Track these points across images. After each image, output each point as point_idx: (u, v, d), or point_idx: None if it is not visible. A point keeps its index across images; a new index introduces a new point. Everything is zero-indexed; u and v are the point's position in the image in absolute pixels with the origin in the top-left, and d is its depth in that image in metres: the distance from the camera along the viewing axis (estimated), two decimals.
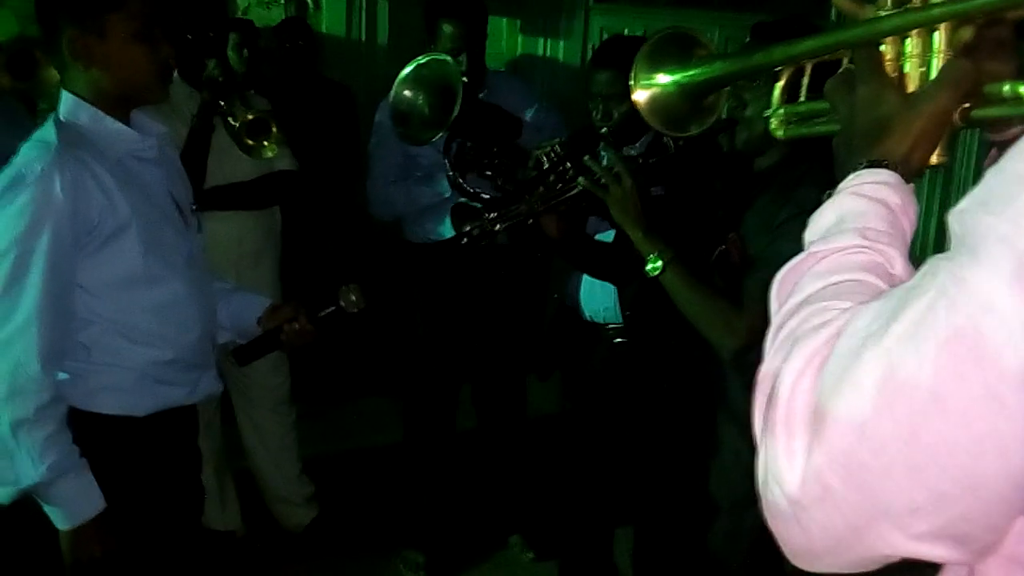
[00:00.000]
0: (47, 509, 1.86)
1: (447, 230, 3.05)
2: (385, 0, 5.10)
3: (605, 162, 2.65)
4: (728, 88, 1.35)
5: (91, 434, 1.91)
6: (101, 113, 1.94)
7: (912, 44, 0.98)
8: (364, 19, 5.06)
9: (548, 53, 5.42)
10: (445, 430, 3.36)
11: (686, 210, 2.28)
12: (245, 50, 3.94)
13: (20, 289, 1.80)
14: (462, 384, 3.37)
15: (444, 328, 3.24)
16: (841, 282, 0.83)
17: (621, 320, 2.78)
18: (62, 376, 1.88)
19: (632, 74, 1.27)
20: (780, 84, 1.18)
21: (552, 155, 2.39)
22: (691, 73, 1.25)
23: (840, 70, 1.06)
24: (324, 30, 4.96)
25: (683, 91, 1.25)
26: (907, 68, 0.99)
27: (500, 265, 3.16)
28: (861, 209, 0.91)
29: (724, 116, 2.01)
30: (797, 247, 2.01)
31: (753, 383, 2.14)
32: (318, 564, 3.37)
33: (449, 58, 2.75)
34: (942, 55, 0.96)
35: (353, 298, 2.18)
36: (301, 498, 3.50)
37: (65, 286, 1.85)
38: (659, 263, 1.99)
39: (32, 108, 3.28)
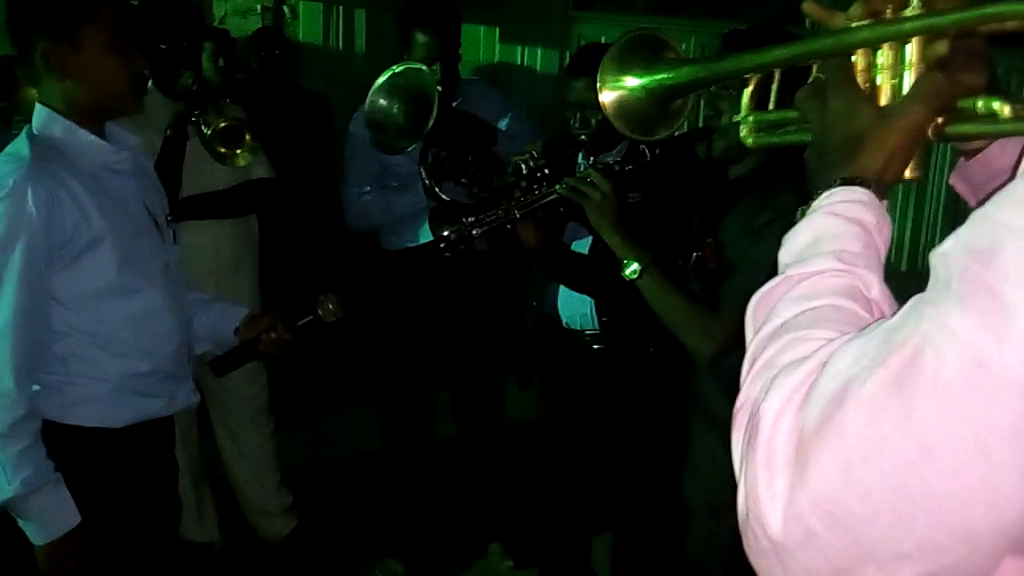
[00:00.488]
0: (22, 524, 1.85)
1: (425, 237, 3.05)
2: (362, 9, 5.11)
3: (583, 168, 2.67)
4: (696, 92, 1.32)
5: (67, 446, 1.90)
6: (75, 126, 1.93)
7: (884, 56, 0.96)
8: (341, 28, 5.07)
9: (527, 61, 5.44)
10: (424, 438, 3.36)
11: (663, 216, 2.29)
12: (221, 59, 3.93)
13: None
14: (441, 392, 3.36)
15: (423, 336, 3.24)
16: (818, 307, 0.82)
17: (597, 326, 2.79)
18: (36, 388, 1.87)
19: (599, 76, 1.24)
20: (748, 90, 1.17)
21: (530, 162, 2.40)
22: (659, 77, 1.22)
23: (810, 79, 1.05)
24: (301, 39, 4.96)
25: (650, 95, 1.23)
26: (879, 80, 0.97)
27: (478, 272, 3.16)
28: (836, 230, 0.89)
29: (701, 124, 2.03)
30: (775, 252, 2.02)
31: (730, 388, 2.14)
32: (297, 575, 3.36)
33: (424, 67, 2.76)
34: (915, 67, 0.94)
35: (331, 307, 2.18)
36: (279, 508, 3.48)
37: (39, 300, 1.85)
38: (636, 268, 2.00)
39: (8, 123, 3.27)
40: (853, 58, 0.98)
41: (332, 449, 4.11)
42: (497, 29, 5.36)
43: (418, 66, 2.75)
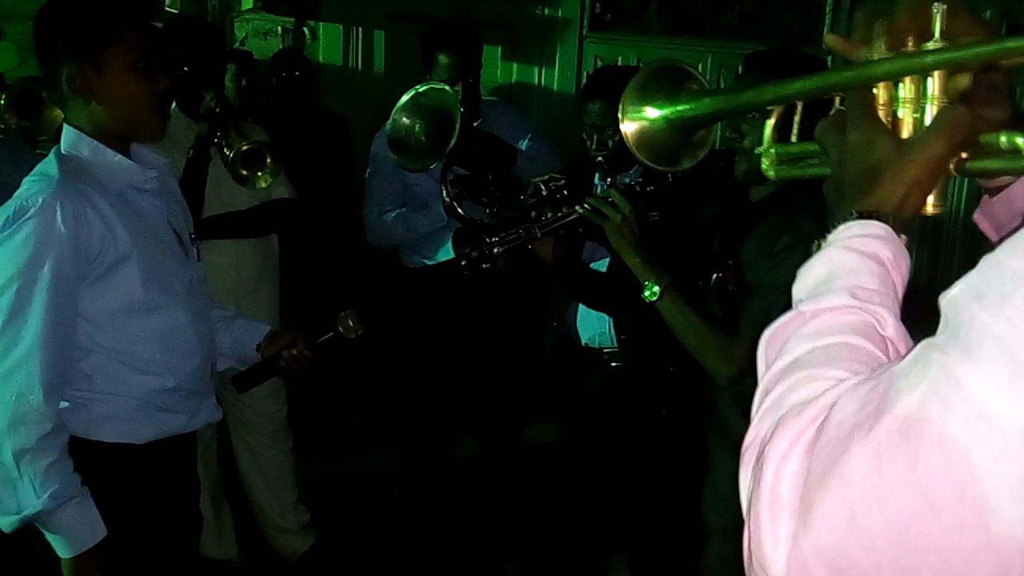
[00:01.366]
0: (49, 537, 1.87)
1: (446, 256, 3.07)
2: (381, 31, 5.15)
3: (601, 190, 2.69)
4: (719, 123, 1.32)
5: (91, 462, 1.92)
6: (102, 146, 1.96)
7: (906, 89, 0.95)
8: (361, 49, 5.11)
9: (542, 82, 5.47)
10: (443, 456, 3.37)
11: (682, 237, 2.30)
12: (243, 80, 3.98)
13: (23, 320, 1.81)
14: (460, 410, 3.38)
15: (442, 354, 3.26)
16: (830, 345, 0.81)
17: (616, 344, 2.81)
18: (63, 404, 1.90)
19: (620, 106, 1.25)
20: (771, 122, 1.15)
21: (551, 183, 2.43)
22: (680, 108, 1.22)
23: (832, 112, 1.03)
24: (321, 60, 5.01)
25: (672, 126, 1.22)
26: (901, 113, 0.96)
27: (498, 291, 3.18)
28: (851, 265, 0.88)
29: (721, 147, 2.04)
30: (794, 276, 2.03)
31: (749, 409, 2.15)
32: None
33: (447, 87, 2.79)
34: (937, 101, 0.93)
35: (351, 323, 2.20)
36: (297, 526, 3.49)
37: (67, 316, 1.87)
38: (656, 289, 2.01)
39: (33, 143, 3.32)
40: (875, 91, 0.97)
41: (350, 467, 4.12)
42: (513, 50, 5.39)
43: (441, 86, 2.78)
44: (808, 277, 0.91)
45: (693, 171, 2.22)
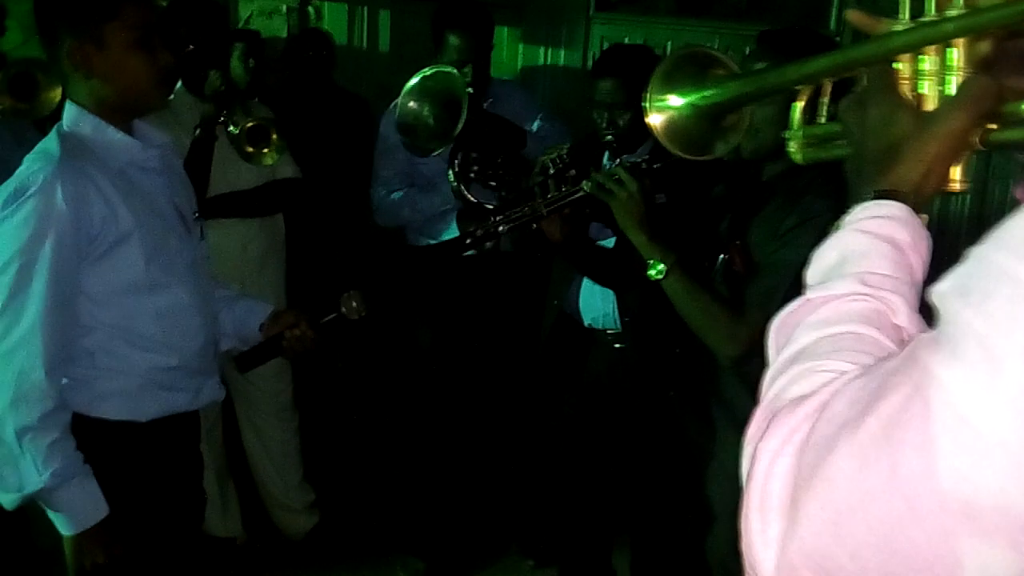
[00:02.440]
0: (51, 515, 1.87)
1: (452, 235, 3.06)
2: (387, 10, 5.13)
3: (609, 167, 2.68)
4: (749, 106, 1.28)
5: (94, 440, 1.92)
6: (103, 123, 1.95)
7: (928, 62, 0.92)
8: (366, 28, 5.08)
9: (549, 62, 5.44)
10: (446, 436, 3.37)
11: (689, 216, 2.29)
12: (251, 60, 3.96)
13: (24, 298, 1.81)
14: (463, 390, 3.37)
15: (445, 333, 3.25)
16: (837, 335, 0.78)
17: (619, 326, 2.80)
18: (65, 382, 1.90)
19: (645, 96, 1.20)
20: (799, 104, 1.12)
21: (558, 162, 2.42)
22: (706, 94, 1.18)
23: (854, 89, 1.00)
24: None
25: (698, 113, 1.19)
26: (923, 88, 0.92)
27: (500, 271, 3.17)
28: (864, 249, 0.84)
29: None
30: (802, 256, 2.01)
31: (755, 389, 2.14)
32: (318, 571, 3.38)
33: (455, 70, 2.77)
34: (960, 72, 0.90)
35: (354, 304, 2.19)
36: (302, 505, 3.50)
37: (68, 295, 1.87)
38: (661, 267, 2.00)
39: (42, 127, 3.30)
40: (898, 66, 0.94)
41: (355, 446, 4.12)
42: (520, 31, 5.36)
43: (448, 69, 2.76)
44: (821, 262, 0.88)
45: None
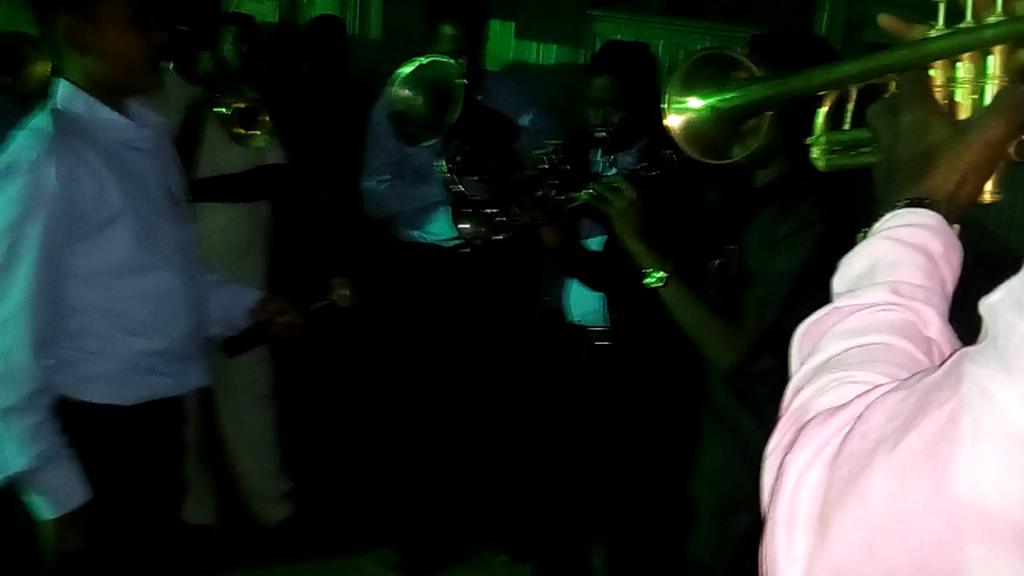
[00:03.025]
0: (32, 498, 1.84)
1: (442, 228, 3.04)
2: None
3: (599, 165, 2.67)
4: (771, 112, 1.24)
5: (77, 423, 1.89)
6: (97, 102, 1.93)
7: (964, 69, 0.89)
8: (358, 14, 5.05)
9: (541, 58, 5.43)
10: (426, 428, 3.35)
11: (684, 222, 2.29)
12: (244, 44, 3.92)
13: (11, 276, 1.78)
14: (446, 383, 3.36)
15: (431, 326, 3.23)
16: (867, 345, 0.75)
17: (605, 323, 2.80)
18: (50, 363, 1.86)
19: (664, 98, 1.18)
20: (823, 110, 1.09)
21: (552, 157, 2.40)
22: (727, 97, 1.16)
23: (885, 95, 0.97)
24: None
25: (718, 116, 1.16)
26: (958, 96, 0.90)
27: (489, 267, 3.16)
28: (895, 258, 0.82)
29: None
30: (797, 264, 1.99)
31: (745, 395, 2.12)
32: (292, 560, 3.35)
33: (451, 61, 2.75)
34: (997, 81, 0.87)
35: (346, 292, 2.18)
36: (277, 494, 3.48)
37: (57, 274, 1.84)
38: (660, 275, 1.99)
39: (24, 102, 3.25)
40: (931, 72, 0.92)
41: (333, 436, 4.09)
42: (513, 25, 5.34)
43: (445, 59, 2.74)
44: (849, 269, 0.85)
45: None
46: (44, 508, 1.84)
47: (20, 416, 1.78)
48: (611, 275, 2.52)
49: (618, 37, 5.34)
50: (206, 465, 3.34)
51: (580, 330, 2.83)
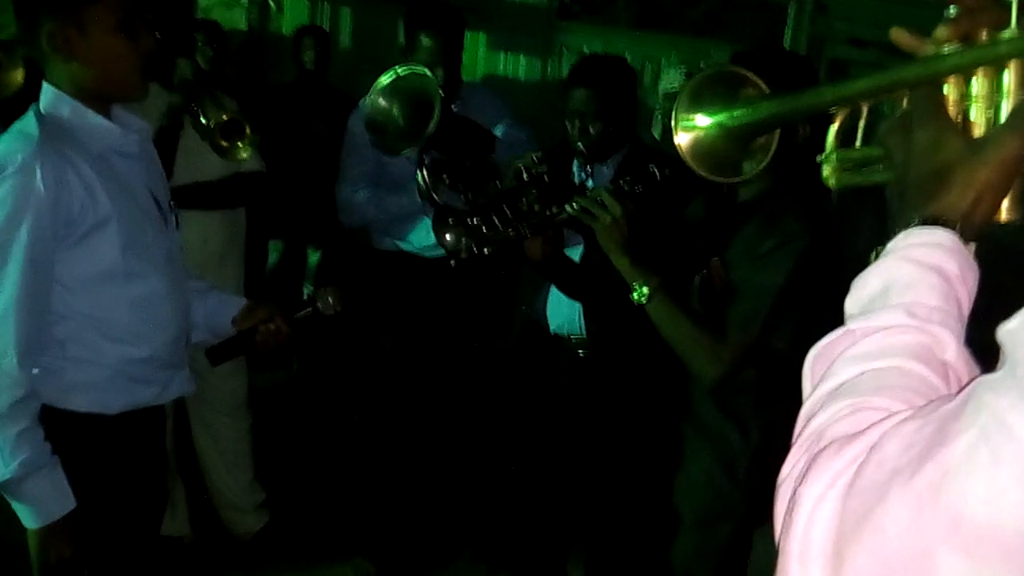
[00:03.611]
0: (16, 507, 1.82)
1: (421, 238, 3.05)
2: (348, 3, 5.09)
3: (580, 178, 2.69)
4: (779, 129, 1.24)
5: (61, 431, 1.87)
6: (83, 107, 1.91)
7: (978, 84, 0.88)
8: (327, 23, 5.04)
9: (509, 68, 5.46)
10: (403, 438, 3.35)
11: (668, 236, 2.32)
12: (209, 51, 3.90)
13: None
14: (423, 392, 3.36)
15: (409, 336, 3.23)
16: (881, 369, 0.73)
17: (584, 333, 2.82)
18: (35, 371, 1.84)
19: (672, 115, 1.17)
20: (834, 127, 1.07)
21: (532, 168, 2.42)
22: (736, 114, 1.15)
23: (898, 112, 0.96)
24: (286, 32, 4.92)
25: (727, 133, 1.15)
26: (972, 112, 0.88)
27: (469, 276, 3.16)
28: (910, 279, 0.79)
29: None
30: (780, 279, 2.01)
31: (728, 407, 2.14)
32: (266, 572, 3.33)
33: (428, 72, 2.76)
34: (1013, 96, 0.86)
35: (331, 300, 2.18)
36: (252, 505, 3.44)
37: (43, 279, 1.82)
38: (645, 291, 2.01)
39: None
40: (944, 89, 0.90)
41: (308, 447, 4.07)
42: (482, 36, 5.37)
43: (422, 70, 2.75)
44: (862, 290, 0.83)
45: (679, 169, 2.26)
46: (29, 518, 1.82)
47: (5, 424, 1.76)
48: (591, 285, 2.54)
49: (586, 49, 5.40)
50: (179, 475, 3.30)
51: (560, 340, 2.85)
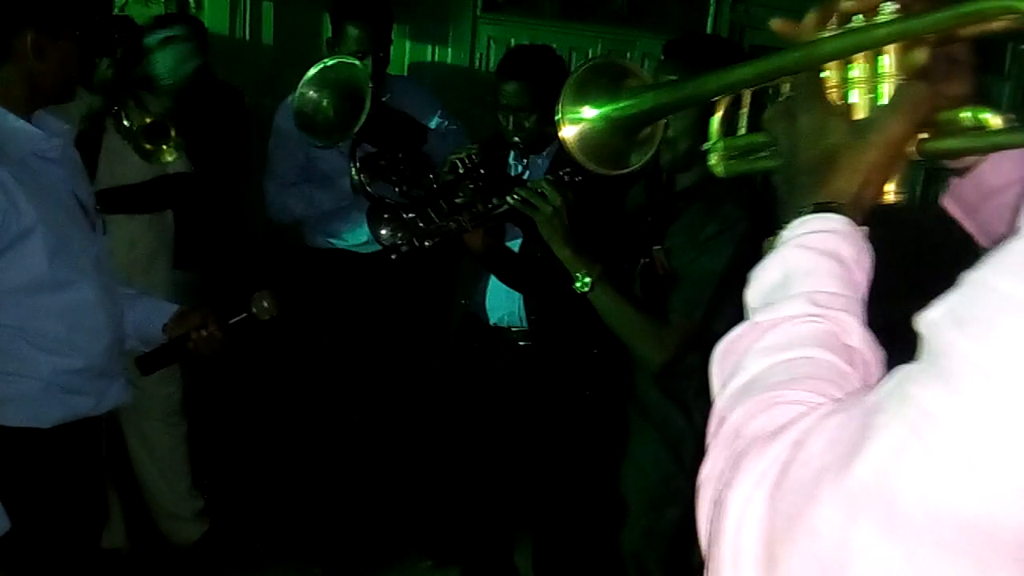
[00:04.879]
0: None
1: (356, 234, 3.01)
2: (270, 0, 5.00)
3: (516, 170, 2.69)
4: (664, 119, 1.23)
5: None
6: (4, 111, 1.85)
7: (858, 68, 0.88)
8: (248, 18, 4.94)
9: (436, 60, 5.43)
10: (342, 438, 3.31)
11: (608, 224, 2.32)
12: (120, 48, 3.77)
13: None
14: (364, 390, 3.32)
15: (348, 334, 3.20)
16: (791, 360, 0.72)
17: (525, 324, 2.81)
18: None
19: (558, 109, 1.15)
20: (717, 116, 1.06)
21: (467, 161, 2.41)
22: (621, 106, 1.13)
23: (780, 98, 0.95)
24: (209, 27, 4.80)
25: (613, 125, 1.14)
26: (853, 96, 0.88)
27: (406, 270, 3.14)
28: (808, 267, 0.79)
29: None
30: (720, 264, 2.04)
31: (673, 391, 2.17)
32: None
33: (357, 62, 2.72)
34: (892, 79, 0.86)
35: (265, 304, 2.13)
36: (190, 513, 3.36)
37: None
38: (588, 280, 2.02)
39: None
40: (825, 74, 0.89)
41: (246, 451, 4.00)
42: (407, 27, 5.32)
43: (351, 60, 2.71)
44: (762, 281, 0.82)
45: None
46: None
47: None
48: (532, 276, 2.54)
49: (511, 40, 5.39)
50: (113, 486, 3.22)
51: (501, 332, 2.85)
